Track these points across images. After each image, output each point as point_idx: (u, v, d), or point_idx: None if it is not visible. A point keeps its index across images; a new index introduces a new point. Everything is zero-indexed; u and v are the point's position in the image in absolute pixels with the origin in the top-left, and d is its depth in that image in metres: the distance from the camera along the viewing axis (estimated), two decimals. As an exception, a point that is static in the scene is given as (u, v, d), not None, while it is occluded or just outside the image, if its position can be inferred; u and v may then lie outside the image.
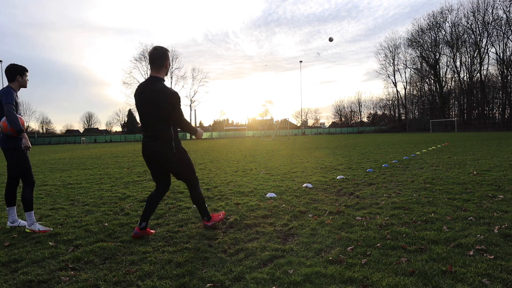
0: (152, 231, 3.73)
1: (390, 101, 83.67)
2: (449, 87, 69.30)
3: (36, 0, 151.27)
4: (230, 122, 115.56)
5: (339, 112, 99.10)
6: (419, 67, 72.39)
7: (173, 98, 3.36)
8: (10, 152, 3.91)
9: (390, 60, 77.19)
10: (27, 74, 4.05)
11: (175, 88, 78.18)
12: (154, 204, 3.64)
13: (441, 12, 65.86)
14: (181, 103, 3.47)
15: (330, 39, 23.17)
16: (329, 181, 6.77)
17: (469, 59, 64.17)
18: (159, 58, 3.43)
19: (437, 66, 68.13)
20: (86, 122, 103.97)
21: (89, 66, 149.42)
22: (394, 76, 77.96)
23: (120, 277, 2.60)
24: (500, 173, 6.90)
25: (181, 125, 3.54)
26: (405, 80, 77.96)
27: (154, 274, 2.65)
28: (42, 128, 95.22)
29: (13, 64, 3.97)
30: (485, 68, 62.65)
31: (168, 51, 3.52)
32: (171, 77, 76.32)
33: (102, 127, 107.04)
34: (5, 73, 3.92)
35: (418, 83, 74.59)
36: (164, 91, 3.34)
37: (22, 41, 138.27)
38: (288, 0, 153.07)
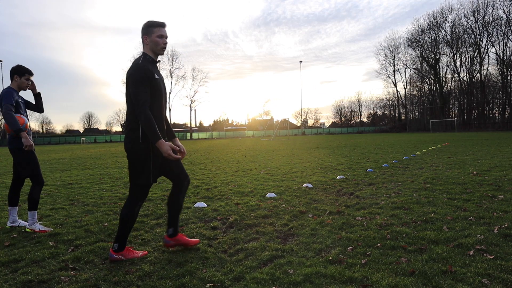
0: (193, 240, 3.25)
1: (390, 101, 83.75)
2: (449, 87, 69.38)
3: (36, 0, 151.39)
4: (230, 122, 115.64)
5: (339, 112, 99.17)
6: (419, 67, 72.45)
7: (130, 69, 2.84)
8: (17, 152, 3.91)
9: (390, 60, 77.26)
10: (29, 76, 4.01)
11: (175, 88, 78.14)
12: (172, 205, 3.17)
13: (441, 12, 65.97)
14: (141, 81, 2.80)
15: None
16: (329, 181, 6.77)
17: (469, 59, 64.25)
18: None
19: (437, 66, 68.17)
20: (86, 122, 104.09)
21: (89, 66, 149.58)
22: (394, 76, 78.04)
23: (120, 277, 2.60)
24: (500, 173, 6.90)
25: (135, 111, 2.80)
26: (405, 80, 78.03)
27: (154, 274, 2.65)
28: (42, 128, 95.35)
29: (18, 64, 3.98)
30: (485, 68, 62.75)
31: (146, 24, 2.99)
32: (171, 77, 76.29)
33: (102, 127, 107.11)
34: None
35: (418, 83, 74.67)
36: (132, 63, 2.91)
37: (22, 41, 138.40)
38: (287, 0, 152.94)
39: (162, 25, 2.97)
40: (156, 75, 2.91)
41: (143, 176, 2.88)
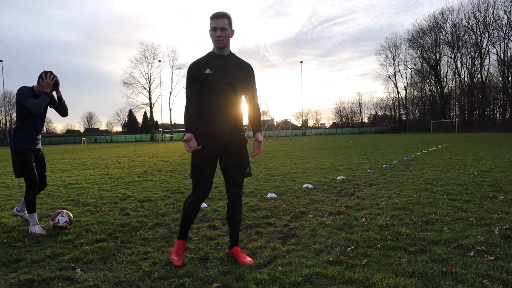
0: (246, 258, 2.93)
1: (391, 102, 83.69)
2: (449, 87, 69.36)
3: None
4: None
5: (339, 112, 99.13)
6: (419, 67, 72.42)
7: None
8: (11, 153, 3.99)
9: (390, 61, 77.21)
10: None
11: (176, 89, 78.17)
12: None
13: (442, 13, 65.97)
14: (187, 78, 2.84)
15: None
16: (330, 182, 6.77)
17: (470, 60, 64.22)
18: None
19: (438, 67, 68.13)
20: (86, 122, 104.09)
21: (90, 65, 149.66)
22: (395, 77, 77.91)
23: (120, 277, 2.60)
24: (500, 174, 6.89)
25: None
26: (405, 81, 77.96)
27: (154, 274, 2.65)
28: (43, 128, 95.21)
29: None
30: (486, 69, 62.70)
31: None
32: (172, 78, 76.43)
33: (103, 127, 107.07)
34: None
35: (418, 84, 74.62)
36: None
37: (23, 40, 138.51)
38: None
39: (214, 16, 2.74)
40: (207, 70, 2.75)
41: (191, 170, 2.96)
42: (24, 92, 3.82)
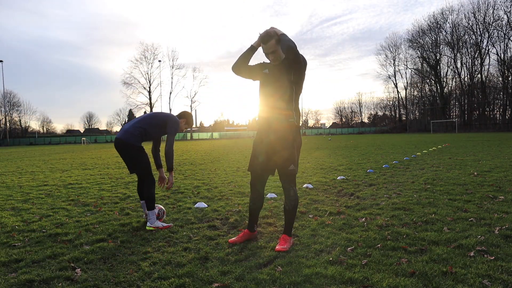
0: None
1: (391, 102, 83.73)
2: (449, 87, 69.39)
3: (38, 1, 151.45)
4: (230, 122, 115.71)
5: (339, 112, 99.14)
6: (419, 67, 72.45)
7: None
8: (131, 148, 3.93)
9: (390, 61, 77.32)
10: (187, 127, 4.38)
11: (176, 89, 78.12)
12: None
13: (442, 13, 65.98)
14: None
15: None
16: (330, 182, 6.77)
17: (470, 60, 64.29)
18: None
19: (438, 67, 68.16)
20: (86, 122, 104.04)
21: (90, 65, 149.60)
22: (395, 77, 77.98)
23: (120, 277, 2.60)
24: (501, 174, 6.89)
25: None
26: (405, 81, 78.01)
27: (154, 274, 2.65)
28: (43, 128, 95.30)
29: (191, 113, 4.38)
30: (486, 69, 62.74)
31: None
32: (172, 78, 76.44)
33: (103, 127, 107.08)
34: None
35: (418, 84, 74.69)
36: None
37: (23, 40, 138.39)
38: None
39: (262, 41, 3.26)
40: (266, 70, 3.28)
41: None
42: (175, 129, 4.03)
